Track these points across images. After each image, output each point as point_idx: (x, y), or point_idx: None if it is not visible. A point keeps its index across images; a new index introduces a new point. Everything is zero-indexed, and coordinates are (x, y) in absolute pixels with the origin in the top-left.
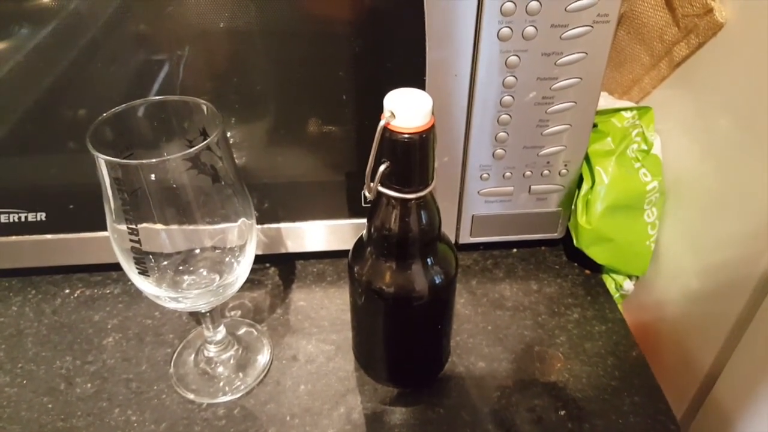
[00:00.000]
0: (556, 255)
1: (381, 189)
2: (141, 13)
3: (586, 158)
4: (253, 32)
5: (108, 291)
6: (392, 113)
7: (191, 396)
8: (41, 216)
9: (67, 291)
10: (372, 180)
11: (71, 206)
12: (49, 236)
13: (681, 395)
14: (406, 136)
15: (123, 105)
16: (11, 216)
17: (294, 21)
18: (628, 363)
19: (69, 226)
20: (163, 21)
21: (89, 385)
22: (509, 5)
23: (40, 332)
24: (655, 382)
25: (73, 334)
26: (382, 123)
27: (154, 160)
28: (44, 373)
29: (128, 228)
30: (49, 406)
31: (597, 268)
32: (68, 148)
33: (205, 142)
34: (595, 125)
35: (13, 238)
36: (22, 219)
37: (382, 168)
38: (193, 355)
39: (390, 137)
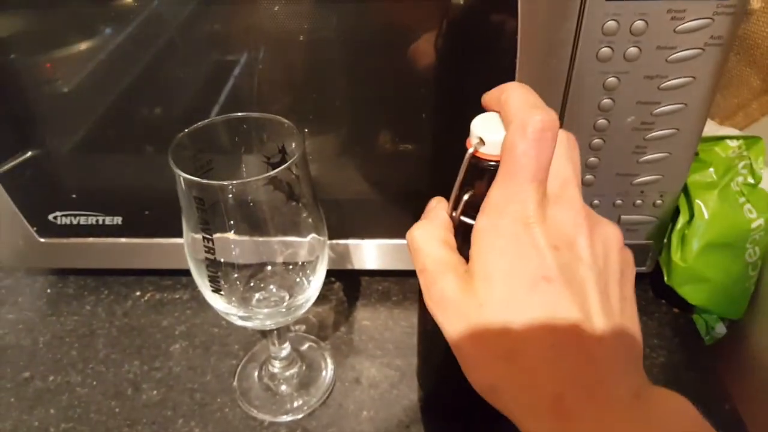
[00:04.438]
0: (642, 290)
1: (463, 219)
2: (220, 19)
3: (685, 189)
4: (332, 44)
5: (177, 296)
6: (481, 140)
7: (254, 412)
8: (117, 220)
9: (138, 293)
10: (455, 209)
11: (146, 212)
12: (123, 240)
13: None
14: (494, 163)
15: (205, 120)
16: (89, 218)
17: (376, 34)
18: (719, 416)
19: (143, 231)
20: (241, 28)
21: (155, 392)
22: (611, 24)
23: (111, 334)
24: None
25: (142, 338)
26: (470, 150)
27: (234, 182)
28: (113, 376)
29: (204, 244)
30: (117, 410)
31: (687, 307)
32: (145, 152)
33: (287, 164)
34: (696, 154)
35: (90, 239)
36: (99, 222)
37: (466, 197)
38: (257, 370)
39: (477, 164)
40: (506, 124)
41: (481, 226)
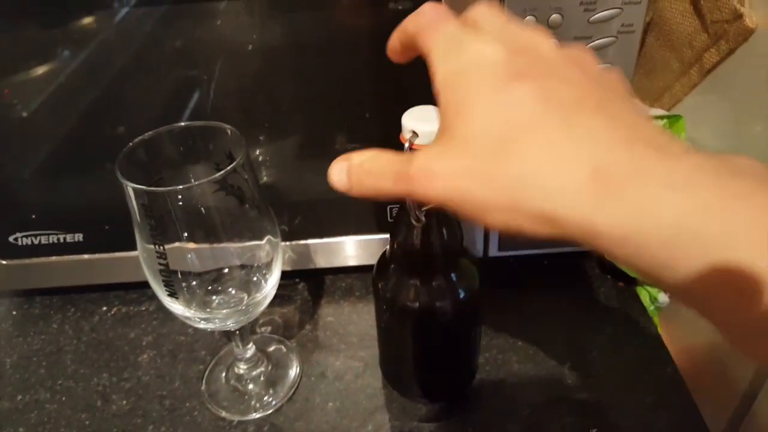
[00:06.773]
0: (589, 268)
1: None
2: (174, 37)
3: None
4: (278, 51)
5: (143, 308)
6: (414, 132)
7: (222, 413)
8: (78, 237)
9: (104, 308)
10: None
11: (106, 227)
12: (86, 256)
13: (719, 413)
14: None
15: (150, 132)
16: (51, 237)
17: (317, 38)
18: (663, 379)
19: (105, 246)
20: (195, 45)
21: (124, 402)
22: (529, 18)
23: (78, 349)
24: (691, 399)
25: (110, 351)
26: (407, 146)
27: (180, 187)
28: (82, 390)
29: (156, 250)
30: (87, 422)
31: (631, 281)
32: (104, 169)
33: (231, 165)
34: None
35: (53, 258)
36: (61, 240)
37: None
38: (224, 372)
39: None
40: (421, 45)
41: (440, 77)
